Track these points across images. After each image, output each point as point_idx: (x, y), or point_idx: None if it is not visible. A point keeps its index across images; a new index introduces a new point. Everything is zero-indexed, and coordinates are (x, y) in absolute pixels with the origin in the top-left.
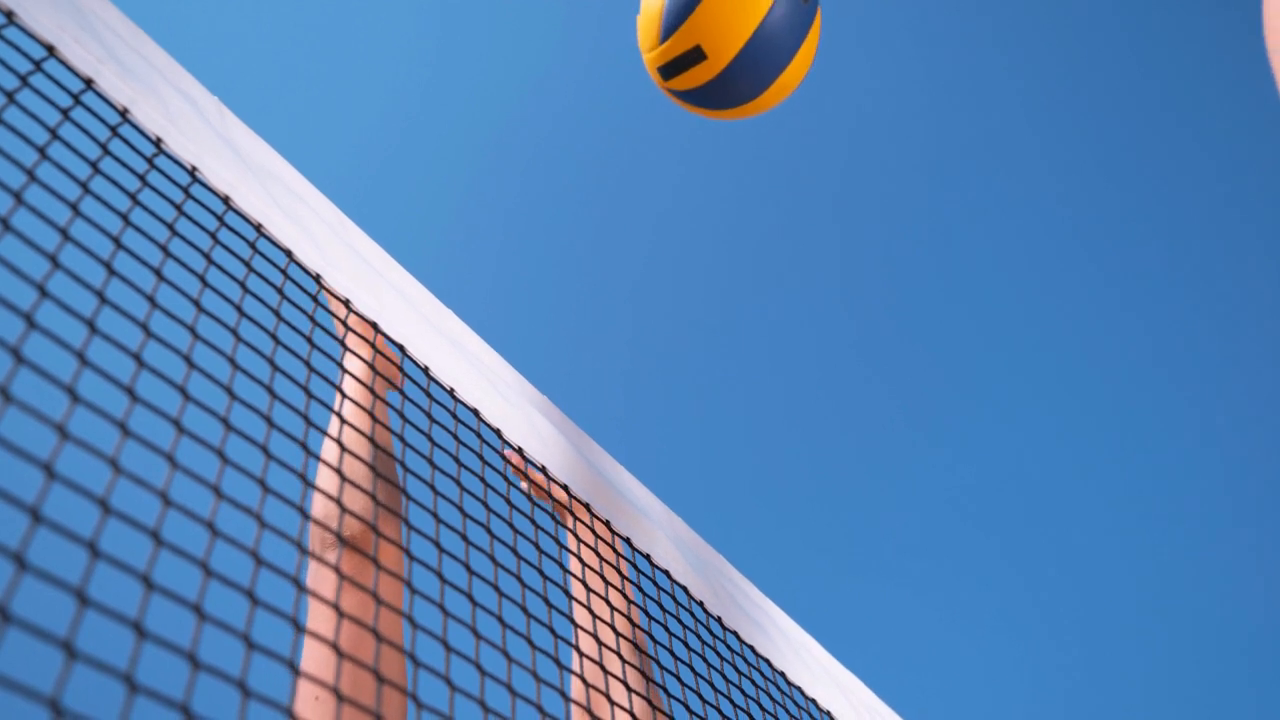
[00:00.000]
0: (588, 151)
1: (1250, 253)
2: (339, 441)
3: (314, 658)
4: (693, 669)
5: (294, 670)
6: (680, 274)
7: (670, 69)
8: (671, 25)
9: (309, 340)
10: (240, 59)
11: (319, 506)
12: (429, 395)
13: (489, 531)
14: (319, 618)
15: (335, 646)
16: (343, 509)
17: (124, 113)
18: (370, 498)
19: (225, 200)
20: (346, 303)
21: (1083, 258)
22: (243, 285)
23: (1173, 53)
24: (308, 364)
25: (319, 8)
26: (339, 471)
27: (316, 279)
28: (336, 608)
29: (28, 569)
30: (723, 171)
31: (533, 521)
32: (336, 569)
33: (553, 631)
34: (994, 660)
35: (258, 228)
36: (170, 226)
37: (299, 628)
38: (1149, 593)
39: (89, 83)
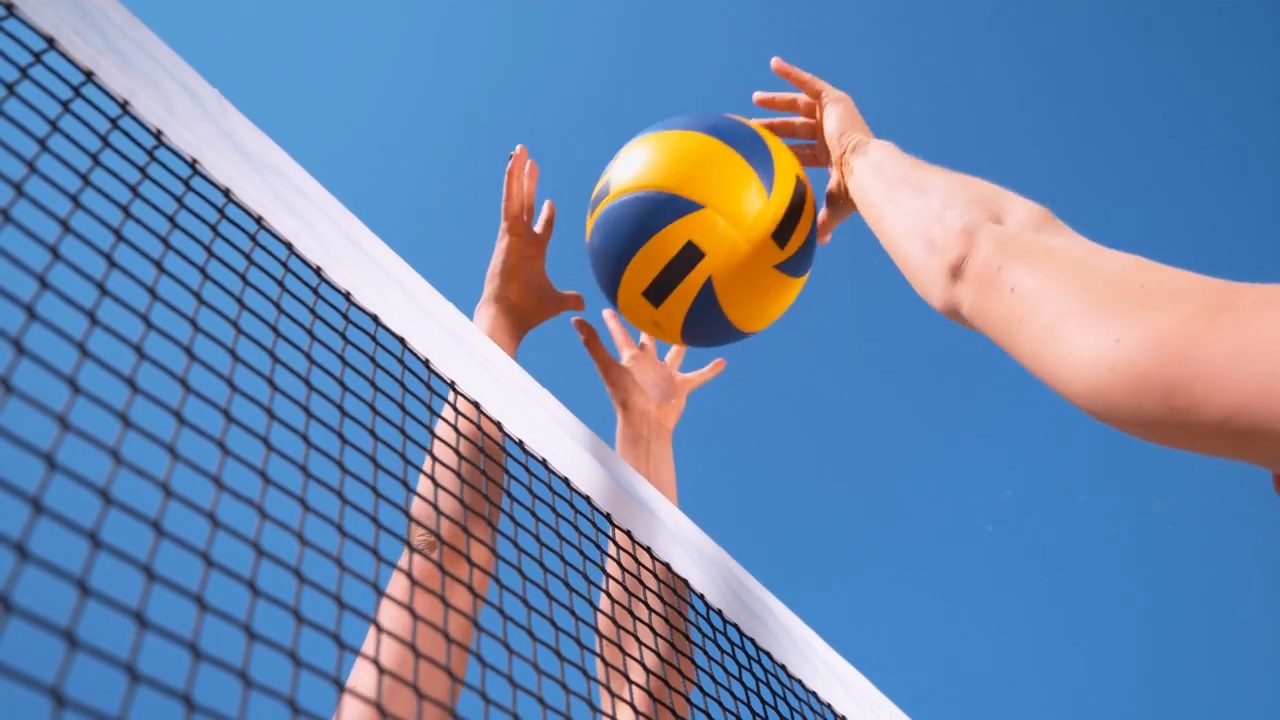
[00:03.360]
0: (591, 145)
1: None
2: (442, 442)
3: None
4: (692, 661)
5: (295, 661)
6: None
7: (789, 220)
8: (768, 169)
9: (310, 333)
10: (241, 51)
11: (419, 506)
12: (429, 388)
13: (489, 523)
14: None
15: (444, 634)
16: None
17: (124, 105)
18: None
19: (226, 193)
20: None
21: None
22: (243, 278)
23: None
24: (309, 356)
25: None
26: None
27: (317, 271)
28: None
29: (29, 559)
30: None
31: (533, 514)
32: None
33: (554, 624)
34: (997, 654)
35: (258, 220)
36: (171, 219)
37: (300, 619)
38: (1155, 588)
39: (89, 75)
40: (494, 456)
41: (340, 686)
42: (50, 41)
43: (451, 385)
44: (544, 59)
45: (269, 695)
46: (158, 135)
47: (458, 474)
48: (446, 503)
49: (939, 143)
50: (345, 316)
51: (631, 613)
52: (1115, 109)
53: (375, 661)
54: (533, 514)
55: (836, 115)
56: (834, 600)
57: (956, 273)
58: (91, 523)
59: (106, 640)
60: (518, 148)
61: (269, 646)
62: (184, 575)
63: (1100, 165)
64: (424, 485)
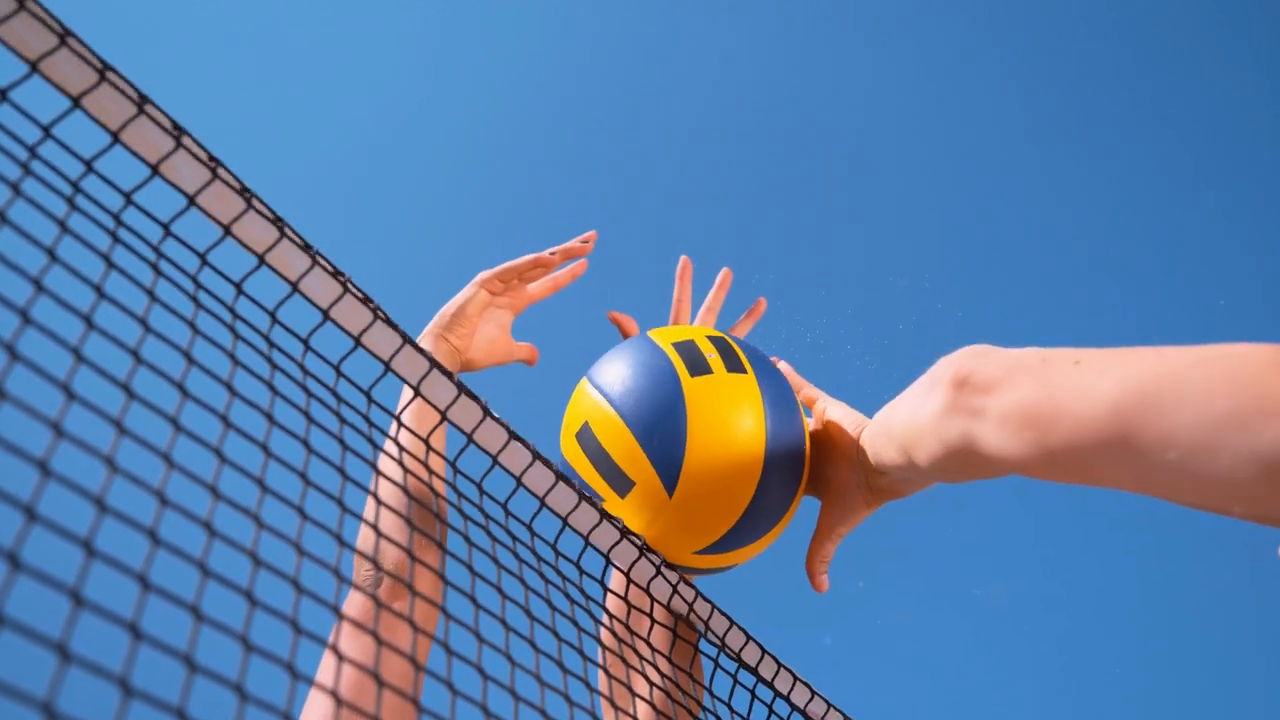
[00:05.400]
0: (586, 154)
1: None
2: (391, 479)
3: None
4: (697, 681)
5: (292, 673)
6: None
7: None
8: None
9: (305, 343)
10: (240, 56)
11: (362, 539)
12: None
13: (488, 532)
14: (348, 648)
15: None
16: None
17: (141, 102)
18: (406, 535)
19: (244, 193)
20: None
21: (1086, 262)
22: (238, 286)
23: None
24: (302, 366)
25: (316, 9)
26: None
27: (342, 277)
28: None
29: (21, 568)
30: (732, 169)
31: (530, 528)
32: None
33: (556, 635)
34: (996, 660)
35: (278, 222)
36: (166, 228)
37: (298, 629)
38: (1152, 604)
39: (103, 72)
40: (439, 473)
41: (339, 701)
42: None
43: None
44: (541, 64)
45: (265, 709)
46: (178, 135)
47: (409, 496)
48: (400, 533)
49: (936, 142)
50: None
51: (633, 629)
52: (1114, 108)
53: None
54: (530, 528)
55: (843, 410)
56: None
57: (960, 387)
58: (86, 530)
59: (99, 653)
60: (591, 240)
61: (265, 658)
62: (179, 585)
63: (1098, 163)
64: (375, 515)
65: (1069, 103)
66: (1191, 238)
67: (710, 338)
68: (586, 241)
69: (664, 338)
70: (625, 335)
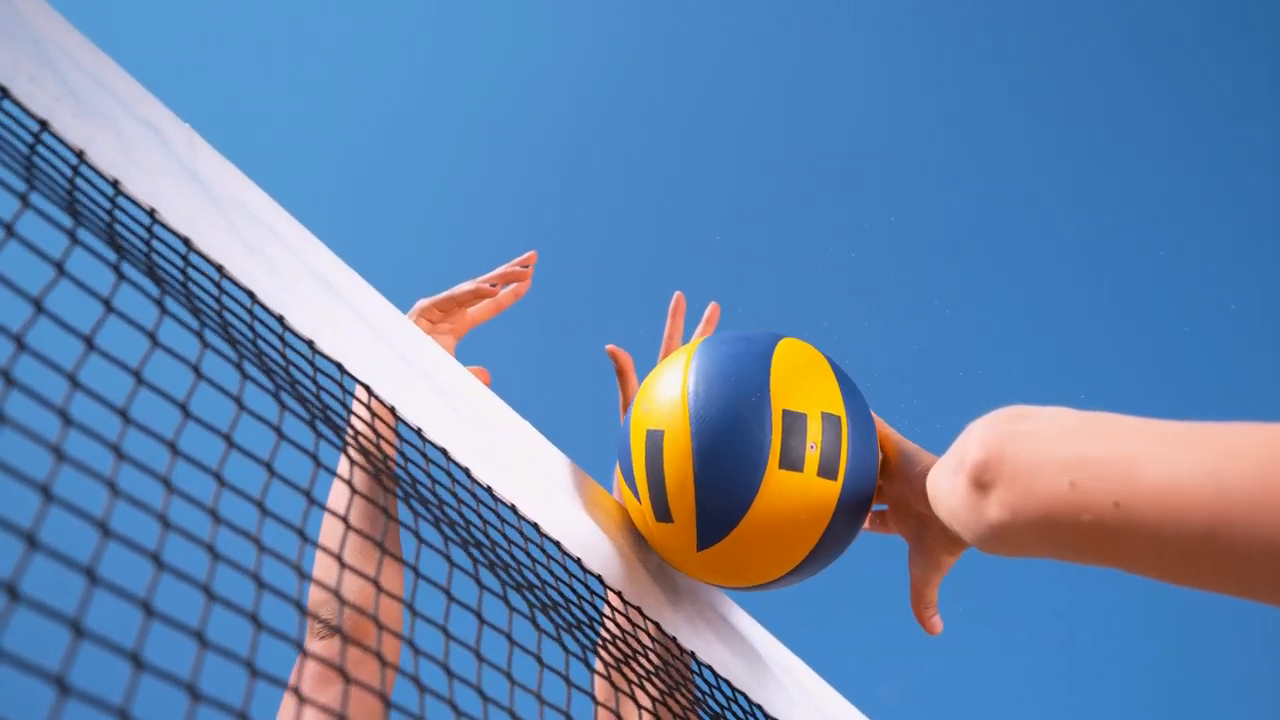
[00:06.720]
0: (581, 170)
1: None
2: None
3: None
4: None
5: (299, 698)
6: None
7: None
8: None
9: (273, 380)
10: (210, 79)
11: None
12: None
13: (474, 551)
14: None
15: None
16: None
17: (80, 154)
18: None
19: (186, 242)
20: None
21: (1089, 265)
22: (200, 337)
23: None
24: (292, 403)
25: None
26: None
27: (280, 319)
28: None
29: (20, 599)
30: (734, 172)
31: (511, 556)
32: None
33: (541, 656)
34: (996, 667)
35: (219, 269)
36: (120, 271)
37: (303, 651)
38: (1153, 612)
39: (44, 124)
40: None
41: None
42: (4, 91)
43: (418, 432)
44: (530, 70)
45: None
46: (115, 185)
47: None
48: (362, 561)
49: (935, 141)
50: (313, 364)
51: (625, 674)
52: (1113, 108)
53: None
54: (512, 556)
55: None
56: (822, 623)
57: (982, 483)
58: (87, 558)
59: (100, 683)
60: (530, 261)
61: (270, 683)
62: (183, 610)
63: (1097, 162)
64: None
65: (1071, 102)
66: (1199, 241)
67: (827, 415)
68: (526, 265)
69: (781, 393)
70: (621, 374)
